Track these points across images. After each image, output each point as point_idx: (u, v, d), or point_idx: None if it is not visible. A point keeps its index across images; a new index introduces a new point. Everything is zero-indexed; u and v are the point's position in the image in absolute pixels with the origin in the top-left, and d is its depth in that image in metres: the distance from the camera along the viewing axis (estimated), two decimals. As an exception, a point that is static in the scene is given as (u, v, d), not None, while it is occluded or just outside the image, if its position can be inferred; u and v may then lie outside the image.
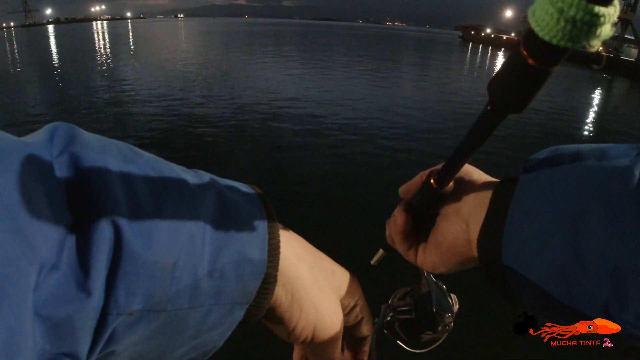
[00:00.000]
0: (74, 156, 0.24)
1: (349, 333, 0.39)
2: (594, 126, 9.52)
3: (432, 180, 0.38)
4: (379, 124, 7.58)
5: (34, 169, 0.22)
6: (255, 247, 0.29)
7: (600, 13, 0.18)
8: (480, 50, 40.67)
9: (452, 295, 0.43)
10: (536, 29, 0.20)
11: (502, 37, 51.63)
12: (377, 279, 0.58)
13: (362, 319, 0.39)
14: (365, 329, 0.40)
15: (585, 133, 8.78)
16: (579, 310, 0.29)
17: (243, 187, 0.33)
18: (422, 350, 0.43)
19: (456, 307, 0.43)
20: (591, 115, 10.79)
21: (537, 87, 0.24)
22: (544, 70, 0.23)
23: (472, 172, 0.40)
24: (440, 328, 0.42)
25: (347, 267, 0.40)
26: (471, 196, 0.38)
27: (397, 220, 0.42)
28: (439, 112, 8.99)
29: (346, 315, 0.38)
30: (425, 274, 0.43)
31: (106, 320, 0.23)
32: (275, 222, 0.32)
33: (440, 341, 0.43)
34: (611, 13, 0.19)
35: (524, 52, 0.22)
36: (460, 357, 2.53)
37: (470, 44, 51.12)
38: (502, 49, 41.28)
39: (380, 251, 0.48)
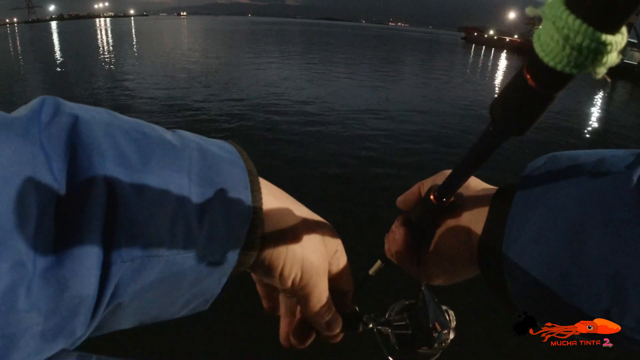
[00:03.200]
0: (62, 125, 0.25)
1: (331, 287, 0.39)
2: (595, 129, 9.51)
3: (432, 197, 0.38)
4: (379, 125, 7.58)
5: (24, 142, 0.23)
6: (240, 193, 0.31)
7: (608, 41, 0.18)
8: (483, 51, 40.61)
9: (450, 312, 0.43)
10: (541, 54, 0.20)
11: (505, 39, 51.60)
12: (374, 290, 0.59)
13: (343, 267, 0.40)
14: (346, 282, 0.41)
15: (587, 136, 8.77)
16: (580, 314, 0.29)
17: (221, 142, 0.34)
18: None
19: (453, 323, 0.42)
20: (593, 119, 10.78)
21: (540, 112, 0.24)
22: (547, 96, 0.22)
23: (470, 181, 0.40)
24: (436, 345, 0.41)
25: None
26: (470, 205, 0.38)
27: (396, 235, 0.42)
28: (440, 115, 8.99)
29: (331, 260, 0.39)
30: (423, 288, 0.43)
31: (110, 270, 0.24)
32: (254, 171, 0.33)
33: (436, 357, 0.42)
34: (618, 41, 0.18)
35: (528, 76, 0.22)
36: (460, 357, 2.54)
37: (473, 45, 51.07)
38: (505, 51, 41.28)
39: (378, 262, 0.47)
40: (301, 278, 0.35)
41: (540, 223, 0.31)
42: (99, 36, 34.42)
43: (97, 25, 59.54)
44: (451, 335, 0.42)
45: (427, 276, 0.42)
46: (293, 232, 0.34)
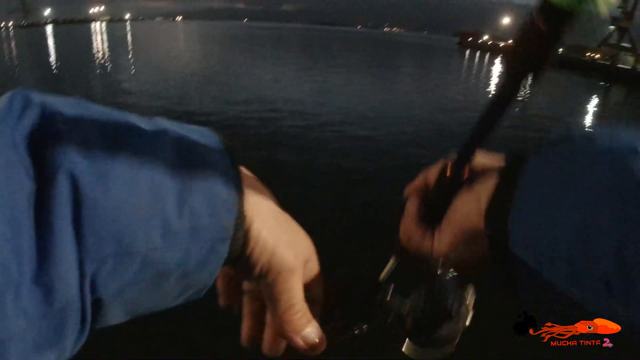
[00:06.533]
0: (30, 119, 0.24)
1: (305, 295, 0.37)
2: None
3: (448, 173, 0.39)
4: (375, 129, 7.58)
5: None
6: (222, 183, 0.29)
7: None
8: (477, 56, 40.80)
9: (469, 287, 0.41)
10: None
11: (499, 44, 51.88)
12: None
13: (315, 275, 0.38)
14: (317, 290, 0.38)
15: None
16: (581, 288, 0.29)
17: (202, 128, 0.33)
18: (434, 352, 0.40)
19: (473, 299, 0.40)
20: (588, 123, 10.83)
21: (550, 48, 0.25)
22: (555, 34, 0.24)
23: (479, 153, 0.41)
24: (455, 323, 0.39)
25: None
26: (482, 172, 0.39)
27: (409, 208, 0.43)
28: (434, 118, 9.00)
29: (305, 264, 0.36)
30: (439, 271, 0.41)
31: (84, 269, 0.23)
32: (236, 158, 0.32)
33: (455, 342, 0.40)
34: None
35: (537, 19, 0.24)
36: (460, 357, 2.51)
37: (468, 50, 51.33)
38: (500, 56, 41.46)
39: (391, 262, 0.44)
40: (269, 269, 0.32)
41: (549, 191, 0.31)
42: (94, 40, 34.33)
43: (93, 29, 59.39)
44: (471, 313, 0.40)
45: (440, 248, 0.41)
46: (267, 223, 0.32)
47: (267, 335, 0.38)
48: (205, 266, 0.29)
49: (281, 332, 0.36)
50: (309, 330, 0.35)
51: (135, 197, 0.25)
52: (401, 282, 0.40)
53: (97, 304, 0.25)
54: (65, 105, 0.27)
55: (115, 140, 0.26)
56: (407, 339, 0.38)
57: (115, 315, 0.27)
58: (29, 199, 0.22)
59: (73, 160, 0.24)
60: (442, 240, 0.41)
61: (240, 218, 0.30)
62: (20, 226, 0.22)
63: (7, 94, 0.26)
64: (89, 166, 0.24)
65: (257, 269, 0.32)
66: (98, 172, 0.24)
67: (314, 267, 0.37)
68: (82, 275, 0.23)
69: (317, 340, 0.36)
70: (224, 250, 0.30)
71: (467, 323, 0.39)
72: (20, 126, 0.24)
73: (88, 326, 0.25)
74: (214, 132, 0.33)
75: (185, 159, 0.29)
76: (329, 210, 4.24)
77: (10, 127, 0.24)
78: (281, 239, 0.33)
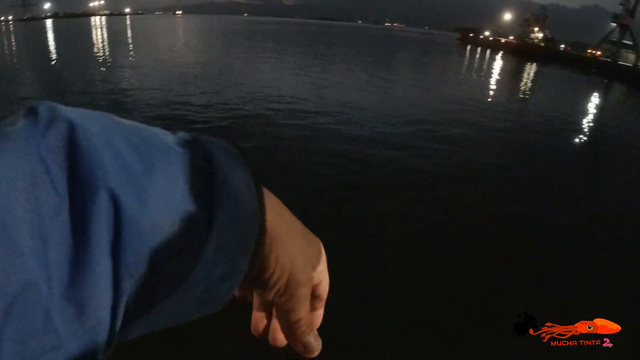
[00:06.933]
0: (59, 134, 0.24)
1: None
2: (591, 130, 9.55)
3: None
4: (375, 125, 7.58)
5: (24, 156, 0.22)
6: (246, 198, 0.30)
7: None
8: (478, 53, 40.68)
9: None
10: None
11: (501, 40, 51.70)
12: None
13: (323, 279, 0.40)
14: (324, 288, 0.41)
15: (582, 137, 8.81)
16: None
17: (223, 142, 0.33)
18: None
19: None
20: (589, 119, 10.83)
21: None
22: None
23: None
24: None
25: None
26: None
27: None
28: (435, 112, 8.99)
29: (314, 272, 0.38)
30: None
31: (120, 287, 0.24)
32: (256, 173, 0.32)
33: None
34: None
35: None
36: (460, 357, 2.54)
37: (469, 46, 51.15)
38: (501, 52, 41.34)
39: None
40: (284, 292, 0.34)
41: None
42: (94, 35, 34.19)
43: (93, 23, 59.08)
44: None
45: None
46: (284, 244, 0.33)
47: (274, 326, 0.40)
48: (226, 281, 0.30)
49: (286, 336, 0.38)
50: (310, 339, 0.38)
51: (170, 212, 0.25)
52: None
53: (124, 321, 0.25)
54: (94, 118, 0.26)
55: (148, 157, 0.26)
56: None
57: (134, 331, 0.28)
58: (57, 213, 0.22)
59: (112, 178, 0.24)
60: None
61: (262, 233, 0.30)
62: (50, 242, 0.21)
63: (32, 105, 0.25)
64: (128, 184, 0.24)
65: (272, 294, 0.34)
66: (136, 189, 0.24)
67: (322, 269, 0.39)
68: (117, 294, 0.24)
69: (315, 346, 0.38)
70: (244, 265, 0.30)
71: None
72: (47, 139, 0.23)
73: (114, 343, 0.25)
74: (232, 144, 0.33)
75: (210, 172, 0.29)
76: (325, 203, 4.25)
77: (37, 140, 0.23)
78: (298, 258, 0.34)
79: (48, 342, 0.21)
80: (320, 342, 0.39)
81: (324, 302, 0.42)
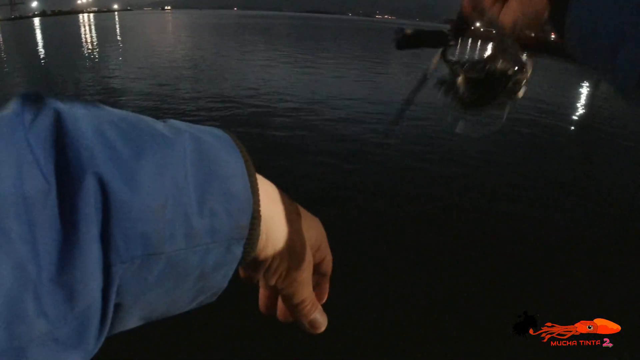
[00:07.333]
0: (46, 121, 0.24)
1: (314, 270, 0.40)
2: (582, 120, 9.61)
3: None
4: (370, 119, 7.58)
5: (11, 144, 0.22)
6: (238, 184, 0.30)
7: None
8: (469, 44, 40.64)
9: (529, 59, 0.40)
10: None
11: (492, 30, 51.65)
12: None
13: (325, 256, 0.41)
14: (328, 265, 0.42)
15: (574, 128, 8.86)
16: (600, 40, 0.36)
17: (214, 129, 0.33)
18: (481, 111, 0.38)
19: (531, 66, 0.39)
20: (580, 110, 10.89)
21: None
22: None
23: None
24: (511, 87, 0.37)
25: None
26: None
27: None
28: (428, 110, 9.01)
29: (315, 252, 0.39)
30: (505, 37, 0.42)
31: (111, 272, 0.23)
32: (249, 158, 0.32)
33: (505, 115, 0.37)
34: None
35: None
36: (460, 357, 2.56)
37: (460, 38, 50.96)
38: (491, 43, 41.26)
39: (437, 55, 0.45)
40: (285, 276, 0.35)
41: None
42: (82, 32, 33.78)
43: (81, 21, 58.38)
44: (524, 89, 0.39)
45: (507, 15, 0.47)
46: (281, 230, 0.33)
47: (281, 304, 0.41)
48: (221, 267, 0.30)
49: (291, 315, 0.39)
50: (316, 316, 0.39)
51: (160, 197, 0.25)
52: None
53: (117, 308, 0.25)
54: (81, 107, 0.26)
55: (137, 143, 0.26)
56: (459, 120, 0.39)
57: (130, 321, 0.27)
58: (46, 199, 0.22)
59: (100, 163, 0.23)
60: (509, 7, 0.46)
61: (255, 218, 0.30)
62: (38, 226, 0.21)
63: (19, 95, 0.26)
64: (116, 168, 0.24)
65: (274, 280, 0.35)
66: (125, 174, 0.24)
67: (324, 248, 0.40)
68: (108, 278, 0.23)
69: (321, 323, 0.39)
70: (238, 252, 0.30)
71: (520, 96, 0.39)
72: (34, 127, 0.23)
73: (107, 330, 0.25)
74: (225, 132, 0.33)
75: (201, 158, 0.29)
76: (321, 192, 4.26)
77: (24, 127, 0.23)
78: (297, 243, 0.34)
79: (38, 327, 0.21)
80: (325, 317, 0.40)
81: (328, 277, 0.43)
